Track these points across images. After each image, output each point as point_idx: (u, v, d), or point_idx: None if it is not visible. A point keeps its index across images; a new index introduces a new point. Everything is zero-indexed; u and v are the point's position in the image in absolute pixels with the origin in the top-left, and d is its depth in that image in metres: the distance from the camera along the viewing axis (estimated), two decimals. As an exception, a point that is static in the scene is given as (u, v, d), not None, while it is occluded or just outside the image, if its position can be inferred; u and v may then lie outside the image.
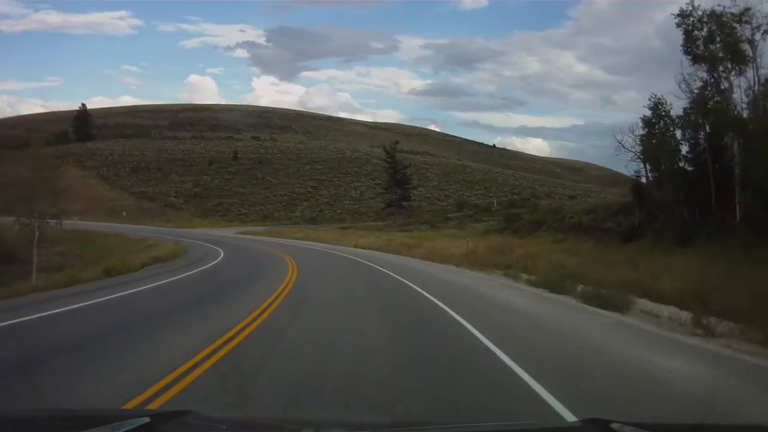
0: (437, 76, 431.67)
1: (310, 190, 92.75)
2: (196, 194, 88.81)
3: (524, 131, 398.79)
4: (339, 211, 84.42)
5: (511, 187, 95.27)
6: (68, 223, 45.01)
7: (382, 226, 63.37)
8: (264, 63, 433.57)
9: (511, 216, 47.15)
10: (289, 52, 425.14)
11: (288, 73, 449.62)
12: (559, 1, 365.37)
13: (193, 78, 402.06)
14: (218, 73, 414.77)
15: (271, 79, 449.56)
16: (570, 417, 4.39)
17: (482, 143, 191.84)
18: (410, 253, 29.87)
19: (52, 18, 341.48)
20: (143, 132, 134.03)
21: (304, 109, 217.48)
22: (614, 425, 2.31)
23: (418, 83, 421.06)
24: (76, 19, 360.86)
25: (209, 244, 37.43)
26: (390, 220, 71.37)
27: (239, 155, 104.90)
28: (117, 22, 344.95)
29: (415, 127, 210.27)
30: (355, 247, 37.70)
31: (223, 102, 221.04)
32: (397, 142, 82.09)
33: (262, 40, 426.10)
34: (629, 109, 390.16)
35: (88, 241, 43.89)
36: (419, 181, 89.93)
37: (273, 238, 48.87)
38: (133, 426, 2.22)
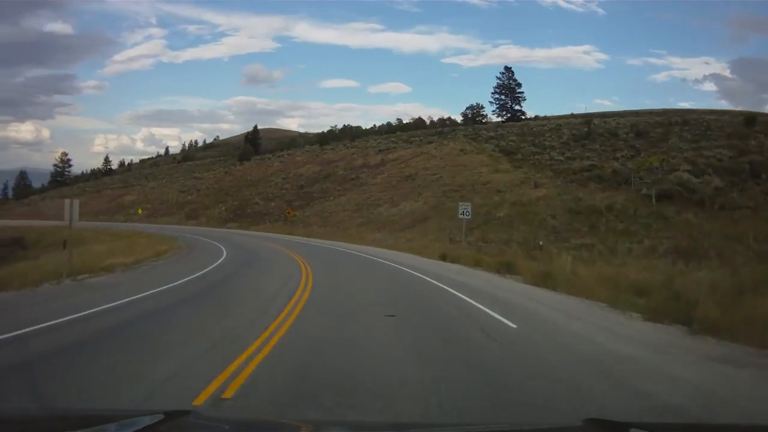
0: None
1: None
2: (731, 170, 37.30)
3: None
4: None
5: None
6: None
7: None
8: (730, 95, 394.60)
9: None
10: (751, 83, 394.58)
11: (752, 105, 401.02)
12: None
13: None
14: (689, 107, 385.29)
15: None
16: None
17: None
18: None
19: (513, 53, 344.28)
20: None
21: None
22: (615, 425, 2.26)
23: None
24: (541, 53, 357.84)
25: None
26: None
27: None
28: (583, 56, 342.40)
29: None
30: None
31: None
32: None
33: (726, 72, 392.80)
34: None
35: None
36: None
37: None
38: (134, 427, 2.20)
